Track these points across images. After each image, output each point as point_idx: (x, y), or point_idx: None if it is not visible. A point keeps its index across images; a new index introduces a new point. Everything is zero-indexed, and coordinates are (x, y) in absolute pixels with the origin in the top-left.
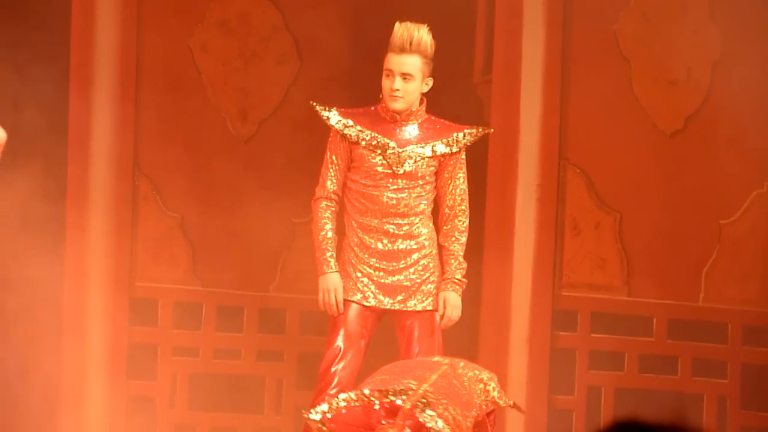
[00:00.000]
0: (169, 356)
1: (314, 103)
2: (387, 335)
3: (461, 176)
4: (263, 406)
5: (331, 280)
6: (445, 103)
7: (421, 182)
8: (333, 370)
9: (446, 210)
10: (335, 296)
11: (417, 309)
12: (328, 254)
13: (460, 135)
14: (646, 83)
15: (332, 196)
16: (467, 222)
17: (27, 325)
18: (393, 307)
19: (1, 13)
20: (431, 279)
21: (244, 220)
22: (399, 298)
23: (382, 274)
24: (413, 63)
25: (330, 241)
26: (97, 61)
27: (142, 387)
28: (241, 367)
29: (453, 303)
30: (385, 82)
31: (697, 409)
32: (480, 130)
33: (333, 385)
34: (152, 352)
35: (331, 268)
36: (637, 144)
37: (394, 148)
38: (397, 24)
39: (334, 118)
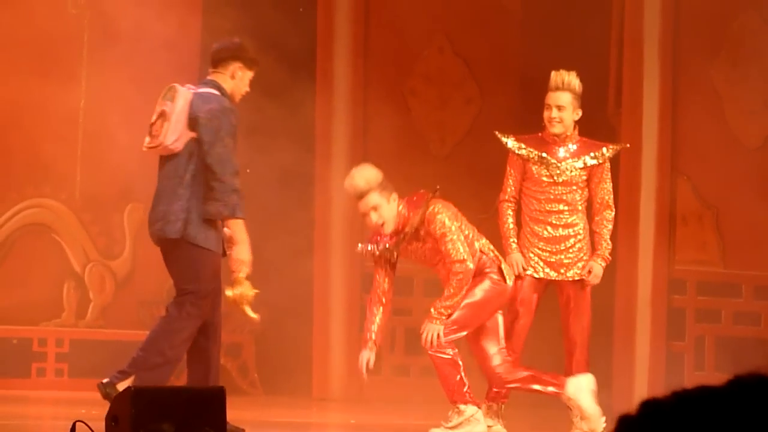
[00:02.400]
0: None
1: (497, 132)
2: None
3: (607, 180)
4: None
5: (515, 258)
6: (588, 129)
7: (574, 187)
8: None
9: (597, 205)
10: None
11: (575, 278)
12: (511, 240)
13: (604, 149)
14: (734, 112)
15: (511, 198)
16: (613, 213)
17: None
18: (557, 278)
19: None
20: (584, 257)
21: None
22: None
23: (547, 254)
24: (565, 98)
25: (512, 231)
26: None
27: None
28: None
29: (596, 272)
30: (546, 113)
31: None
32: (619, 146)
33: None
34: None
35: (514, 250)
36: (729, 157)
37: (555, 162)
38: (553, 72)
39: (510, 142)
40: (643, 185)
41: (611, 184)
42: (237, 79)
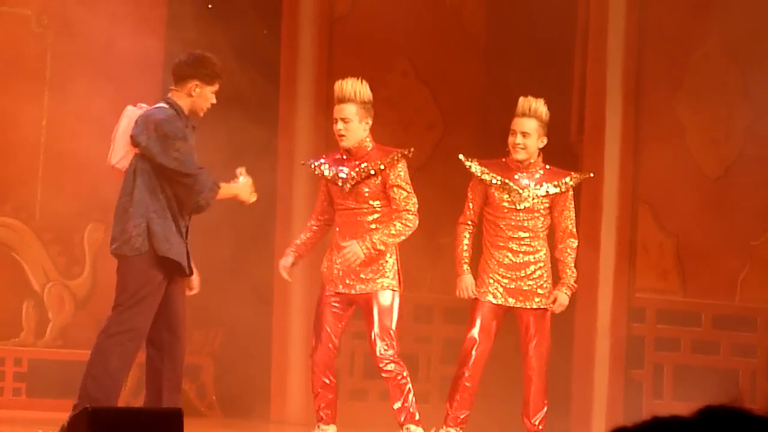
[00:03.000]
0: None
1: (461, 156)
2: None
3: (570, 208)
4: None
5: (465, 281)
6: (550, 156)
7: (536, 214)
8: (470, 356)
9: (560, 233)
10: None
11: (534, 306)
12: (464, 262)
13: (567, 178)
14: (696, 141)
15: (470, 222)
16: (576, 242)
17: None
18: (516, 305)
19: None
20: (545, 285)
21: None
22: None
23: (507, 280)
24: (531, 125)
25: (465, 253)
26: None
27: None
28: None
29: (561, 301)
30: (511, 139)
31: (734, 381)
32: (582, 175)
33: (470, 362)
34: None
35: (466, 272)
36: (690, 186)
37: (517, 189)
38: (521, 98)
39: (474, 166)
40: (605, 213)
41: (574, 212)
42: (195, 96)
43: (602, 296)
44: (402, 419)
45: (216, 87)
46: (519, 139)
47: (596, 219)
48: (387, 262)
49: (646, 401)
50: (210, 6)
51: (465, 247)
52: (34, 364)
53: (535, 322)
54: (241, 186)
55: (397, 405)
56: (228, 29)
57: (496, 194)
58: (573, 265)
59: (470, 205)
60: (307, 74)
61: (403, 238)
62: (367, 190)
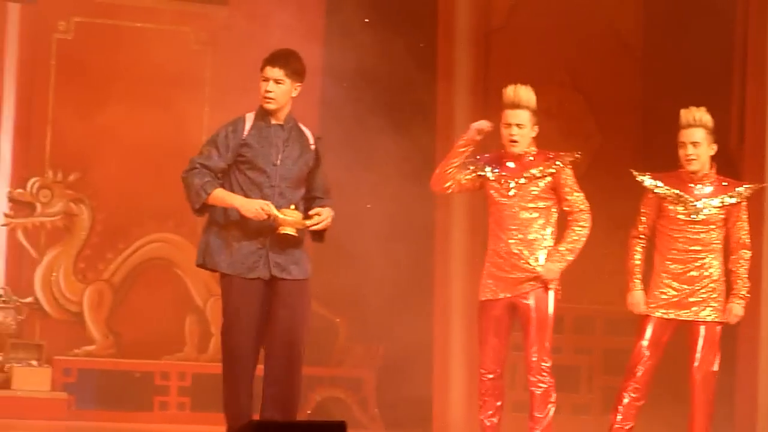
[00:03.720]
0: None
1: (633, 170)
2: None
3: (744, 219)
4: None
5: (636, 296)
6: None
7: (712, 226)
8: (638, 368)
9: (733, 245)
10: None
11: (706, 320)
12: (636, 277)
13: (742, 189)
14: None
15: (642, 235)
16: (750, 254)
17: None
18: (688, 318)
19: None
20: (718, 298)
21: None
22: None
23: (680, 294)
24: (699, 134)
25: (638, 268)
26: None
27: None
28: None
29: (735, 312)
30: (681, 152)
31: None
32: (756, 185)
33: (638, 375)
34: None
35: (637, 287)
36: None
37: (692, 201)
38: (682, 110)
39: (647, 180)
40: (766, 222)
41: (747, 223)
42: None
43: (765, 306)
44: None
45: (262, 73)
46: (690, 150)
47: (758, 229)
48: None
49: None
50: (367, 20)
51: (638, 261)
52: (197, 379)
53: (706, 335)
54: (247, 203)
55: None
56: (385, 42)
57: (670, 207)
58: (746, 276)
59: (643, 219)
60: (464, 87)
61: (585, 239)
62: (535, 190)
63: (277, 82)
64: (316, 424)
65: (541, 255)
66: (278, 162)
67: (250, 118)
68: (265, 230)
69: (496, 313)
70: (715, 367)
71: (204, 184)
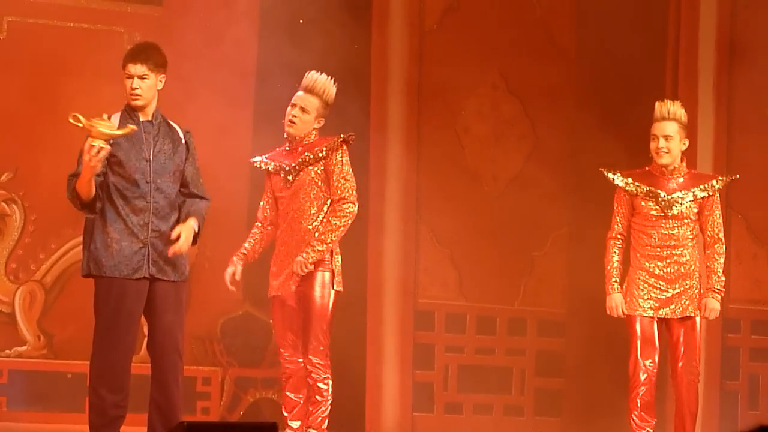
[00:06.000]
0: (443, 352)
1: (602, 169)
2: None
3: (717, 212)
4: (511, 389)
5: (615, 299)
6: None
7: (686, 221)
8: (640, 368)
9: (707, 239)
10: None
11: (687, 316)
12: (614, 279)
13: (714, 182)
14: None
15: (619, 236)
16: (724, 247)
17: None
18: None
19: None
20: (695, 294)
21: (496, 253)
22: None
23: (659, 291)
24: (672, 127)
25: (616, 270)
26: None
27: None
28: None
29: (711, 306)
30: (653, 144)
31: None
32: (728, 177)
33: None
34: (430, 350)
35: (615, 290)
36: None
37: (664, 195)
38: (657, 102)
39: (618, 178)
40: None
41: (721, 216)
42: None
43: None
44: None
45: (126, 70)
46: (662, 143)
47: None
48: None
49: (741, 412)
50: (301, 21)
51: (615, 264)
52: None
53: (686, 332)
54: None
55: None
56: (319, 43)
57: (643, 203)
58: (721, 271)
59: (618, 218)
60: (398, 88)
61: (343, 230)
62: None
63: (141, 78)
64: (248, 425)
65: None
66: (150, 157)
67: (116, 118)
68: (145, 228)
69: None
70: (700, 366)
71: (70, 181)
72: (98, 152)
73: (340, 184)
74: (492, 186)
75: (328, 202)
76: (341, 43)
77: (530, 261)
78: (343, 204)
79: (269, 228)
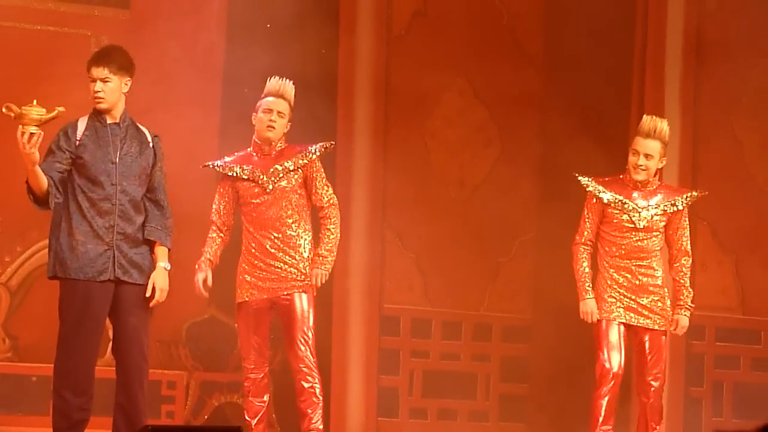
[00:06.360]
0: (408, 358)
1: (576, 174)
2: None
3: (685, 226)
4: (476, 395)
5: (589, 305)
6: (610, 172)
7: (655, 233)
8: (606, 374)
9: (674, 252)
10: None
11: (654, 328)
12: (587, 285)
13: (684, 196)
14: (754, 158)
15: (588, 242)
16: (690, 260)
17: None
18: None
19: None
20: (663, 306)
21: (462, 259)
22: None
23: (627, 300)
24: (655, 147)
25: (587, 275)
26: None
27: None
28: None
29: (682, 324)
30: (632, 158)
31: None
32: (699, 193)
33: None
34: (396, 355)
35: (589, 295)
36: (748, 202)
37: (635, 208)
38: (646, 117)
39: (591, 186)
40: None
41: (688, 230)
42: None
43: None
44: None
45: (89, 73)
46: (641, 160)
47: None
48: None
49: (705, 419)
50: (269, 25)
51: (585, 269)
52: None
53: (651, 341)
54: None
55: None
56: (286, 47)
57: (614, 213)
58: (689, 284)
59: (587, 224)
60: (365, 93)
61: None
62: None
63: (104, 81)
64: (213, 429)
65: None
66: (117, 160)
67: (83, 121)
68: (110, 230)
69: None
70: (664, 376)
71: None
72: (30, 138)
73: (324, 191)
74: (458, 191)
75: (305, 209)
76: (309, 48)
77: (496, 266)
78: (333, 210)
79: (226, 232)
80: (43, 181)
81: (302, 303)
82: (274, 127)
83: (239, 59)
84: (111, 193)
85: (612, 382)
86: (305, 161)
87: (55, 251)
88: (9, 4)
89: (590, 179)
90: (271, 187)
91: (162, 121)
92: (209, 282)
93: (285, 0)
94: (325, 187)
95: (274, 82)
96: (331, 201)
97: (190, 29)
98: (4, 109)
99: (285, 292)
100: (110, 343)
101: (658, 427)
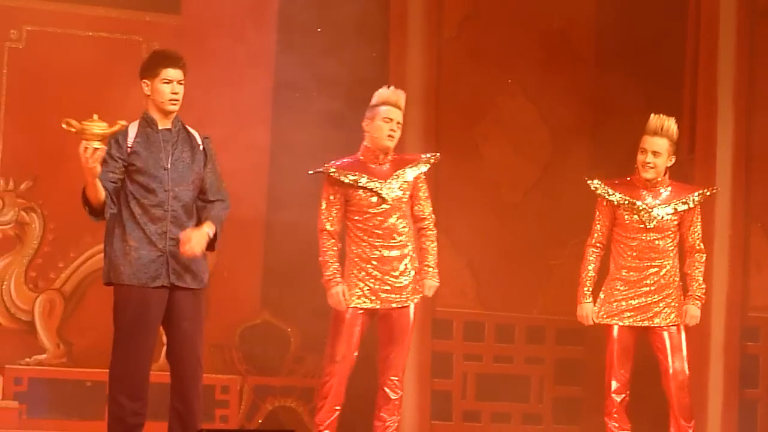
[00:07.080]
0: (461, 361)
1: (586, 177)
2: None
3: (698, 223)
4: (529, 397)
5: (586, 309)
6: None
7: (669, 233)
8: (616, 377)
9: (687, 248)
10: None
11: (669, 325)
12: (586, 288)
13: (695, 195)
14: None
15: (599, 244)
16: (705, 256)
17: None
18: (648, 325)
19: None
20: (675, 303)
21: (514, 262)
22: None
23: (637, 301)
24: (662, 144)
25: (590, 279)
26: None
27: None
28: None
29: (692, 313)
30: (640, 157)
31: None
32: (709, 190)
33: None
34: (449, 359)
35: (586, 299)
36: None
37: (645, 208)
38: (652, 115)
39: (600, 188)
40: (717, 231)
41: (701, 226)
42: (151, 93)
43: (715, 315)
44: None
45: (164, 75)
46: (649, 158)
47: (708, 238)
48: None
49: (761, 421)
50: (319, 30)
51: (591, 272)
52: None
53: (671, 337)
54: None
55: None
56: (337, 51)
57: (625, 215)
58: (702, 279)
59: (598, 226)
60: (416, 96)
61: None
62: None
63: (180, 83)
64: None
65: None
66: (169, 165)
67: (133, 127)
68: (163, 236)
69: None
70: (687, 371)
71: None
72: (93, 153)
73: (427, 203)
74: (510, 194)
75: (410, 219)
76: (360, 51)
77: (548, 269)
78: (432, 222)
79: (338, 239)
80: (102, 193)
81: (413, 314)
82: (394, 137)
83: (289, 63)
84: (164, 200)
85: (621, 387)
86: (420, 171)
87: (110, 257)
88: (60, 10)
89: (599, 181)
90: (393, 196)
91: (211, 124)
92: (347, 294)
93: (337, 4)
94: (428, 199)
95: (391, 91)
96: (432, 213)
97: (240, 33)
98: (64, 125)
99: (398, 304)
100: (164, 348)
101: (688, 424)
